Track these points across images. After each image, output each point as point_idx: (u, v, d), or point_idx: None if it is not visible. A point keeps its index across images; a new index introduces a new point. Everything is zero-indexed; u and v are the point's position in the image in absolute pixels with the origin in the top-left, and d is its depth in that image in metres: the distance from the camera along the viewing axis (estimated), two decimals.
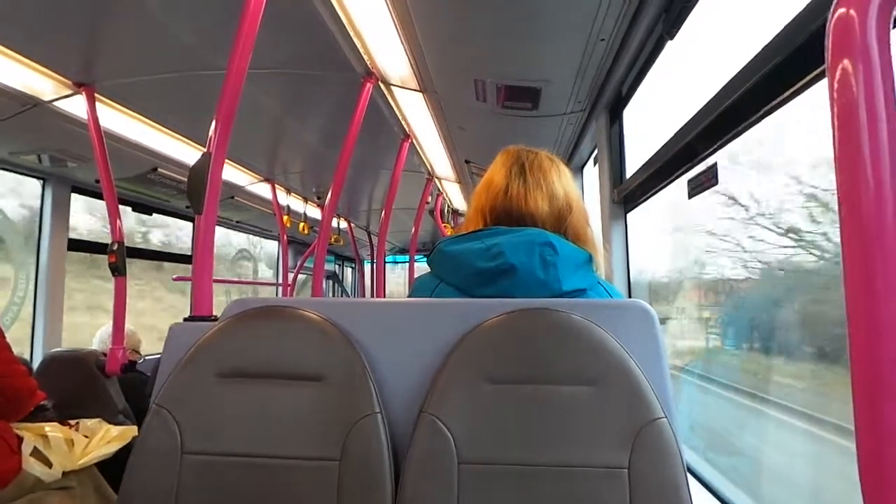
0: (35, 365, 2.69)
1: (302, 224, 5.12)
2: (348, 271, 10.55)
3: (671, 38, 1.63)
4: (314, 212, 5.26)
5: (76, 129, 2.55)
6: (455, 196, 4.97)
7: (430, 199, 4.63)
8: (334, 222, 5.77)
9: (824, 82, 0.96)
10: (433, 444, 0.93)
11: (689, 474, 0.92)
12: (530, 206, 1.14)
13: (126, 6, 1.75)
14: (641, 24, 1.69)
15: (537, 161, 1.18)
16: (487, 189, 1.19)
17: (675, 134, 1.61)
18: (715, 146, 1.43)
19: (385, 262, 4.77)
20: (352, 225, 6.46)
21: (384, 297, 4.90)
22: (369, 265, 9.02)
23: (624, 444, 0.90)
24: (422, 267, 6.06)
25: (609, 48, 1.88)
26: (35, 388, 1.78)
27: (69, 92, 2.34)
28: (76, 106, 2.45)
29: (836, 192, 0.52)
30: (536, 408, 0.94)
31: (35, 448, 1.71)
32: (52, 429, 1.79)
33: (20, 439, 1.69)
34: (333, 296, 9.16)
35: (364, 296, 8.97)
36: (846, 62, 0.50)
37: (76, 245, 3.51)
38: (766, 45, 1.09)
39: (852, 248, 0.50)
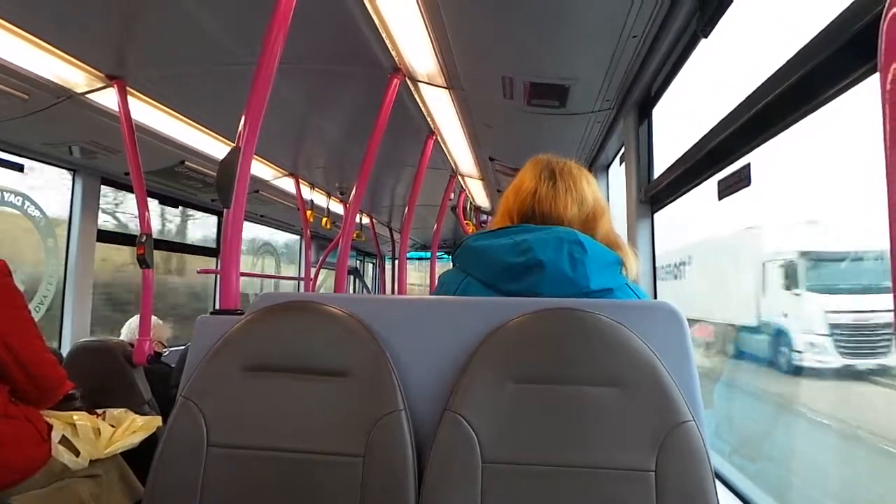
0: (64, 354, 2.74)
1: (325, 219, 5.14)
2: (369, 267, 10.59)
3: (705, 35, 1.58)
4: (336, 206, 5.28)
5: (107, 121, 2.59)
6: (478, 193, 4.94)
7: (452, 195, 4.62)
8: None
9: (866, 83, 0.94)
10: (457, 442, 0.93)
11: (716, 479, 0.90)
12: (559, 208, 1.15)
13: (159, 1, 1.77)
14: (675, 21, 1.65)
15: (567, 168, 1.20)
16: (516, 193, 1.20)
17: (708, 133, 1.57)
18: (749, 146, 1.39)
19: (407, 259, 4.77)
20: (374, 220, 6.48)
21: (406, 293, 4.91)
22: (389, 261, 9.05)
23: (651, 447, 0.89)
24: (442, 265, 6.05)
25: (640, 46, 1.84)
26: (64, 377, 1.80)
27: (101, 85, 2.37)
28: (108, 99, 2.48)
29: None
30: (562, 408, 0.93)
31: (63, 436, 1.74)
32: (79, 417, 1.82)
33: (50, 427, 1.72)
34: (354, 291, 9.21)
35: (384, 292, 9.00)
36: None
37: (105, 236, 3.57)
38: (807, 43, 1.06)
39: None
